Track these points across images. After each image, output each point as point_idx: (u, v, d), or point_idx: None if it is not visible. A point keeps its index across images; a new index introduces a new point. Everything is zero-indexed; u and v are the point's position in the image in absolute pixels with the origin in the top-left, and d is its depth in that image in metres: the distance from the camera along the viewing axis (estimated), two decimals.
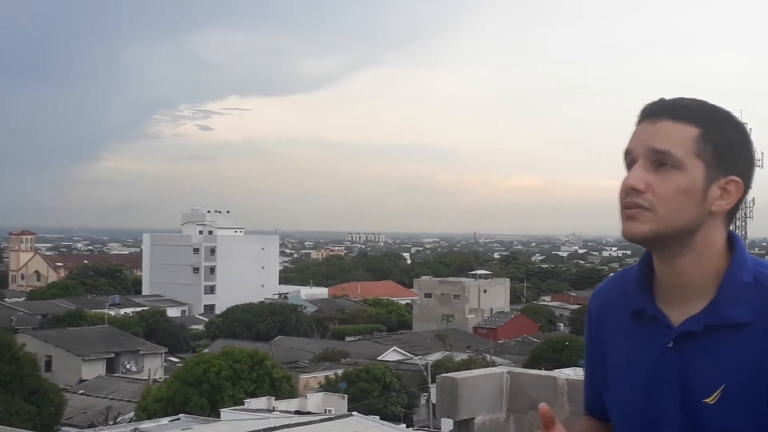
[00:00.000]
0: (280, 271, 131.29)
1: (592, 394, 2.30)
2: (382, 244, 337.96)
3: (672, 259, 2.02)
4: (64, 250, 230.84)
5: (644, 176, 1.98)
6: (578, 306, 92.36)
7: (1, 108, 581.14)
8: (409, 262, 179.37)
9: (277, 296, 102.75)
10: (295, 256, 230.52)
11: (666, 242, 2.00)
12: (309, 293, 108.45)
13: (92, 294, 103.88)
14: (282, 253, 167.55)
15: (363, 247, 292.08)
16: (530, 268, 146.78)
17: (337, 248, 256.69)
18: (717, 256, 2.02)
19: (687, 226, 1.98)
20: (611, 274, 2.37)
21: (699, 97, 2.03)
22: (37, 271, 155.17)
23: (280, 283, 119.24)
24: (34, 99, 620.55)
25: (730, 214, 2.04)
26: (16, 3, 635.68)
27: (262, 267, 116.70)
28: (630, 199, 1.99)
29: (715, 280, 2.01)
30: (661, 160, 1.97)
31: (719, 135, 1.98)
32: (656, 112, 2.01)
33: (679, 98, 2.03)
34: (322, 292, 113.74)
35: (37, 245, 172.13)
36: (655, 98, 2.05)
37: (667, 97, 2.04)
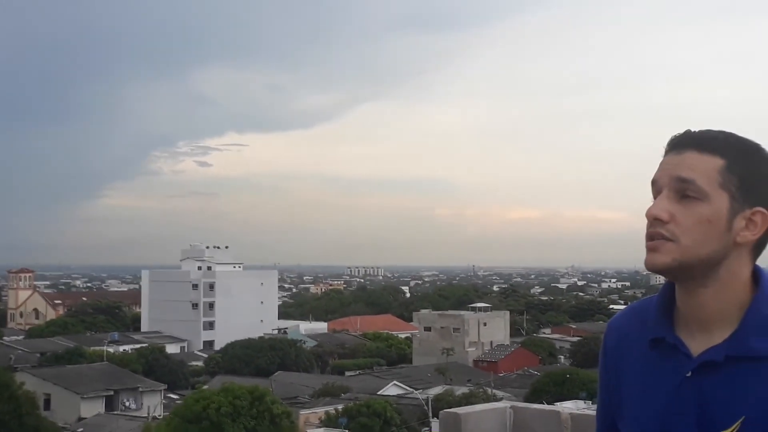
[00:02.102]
0: (279, 306, 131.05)
1: (606, 426, 2.26)
2: (381, 277, 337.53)
3: (695, 290, 2.00)
4: (63, 287, 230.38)
5: (668, 206, 1.97)
6: (578, 338, 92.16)
7: (3, 148, 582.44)
8: (408, 295, 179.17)
9: (276, 331, 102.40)
10: (294, 290, 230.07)
11: (689, 273, 1.98)
12: (308, 328, 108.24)
13: (91, 331, 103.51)
14: (281, 288, 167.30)
15: (362, 280, 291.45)
16: (530, 301, 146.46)
17: (336, 282, 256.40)
18: (741, 287, 2.00)
19: (711, 257, 1.96)
20: (628, 304, 2.42)
21: (726, 129, 2.02)
22: (35, 309, 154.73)
23: (279, 318, 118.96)
24: (32, 137, 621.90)
25: (758, 247, 2.02)
26: (14, 41, 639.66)
27: (261, 302, 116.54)
28: (653, 230, 1.98)
29: (738, 312, 1.99)
30: (685, 191, 1.96)
31: (745, 166, 1.96)
32: (682, 143, 2.01)
33: (706, 130, 2.03)
34: (321, 326, 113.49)
35: (36, 283, 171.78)
36: (681, 130, 2.04)
37: (693, 129, 2.03)
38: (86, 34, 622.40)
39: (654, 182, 2.03)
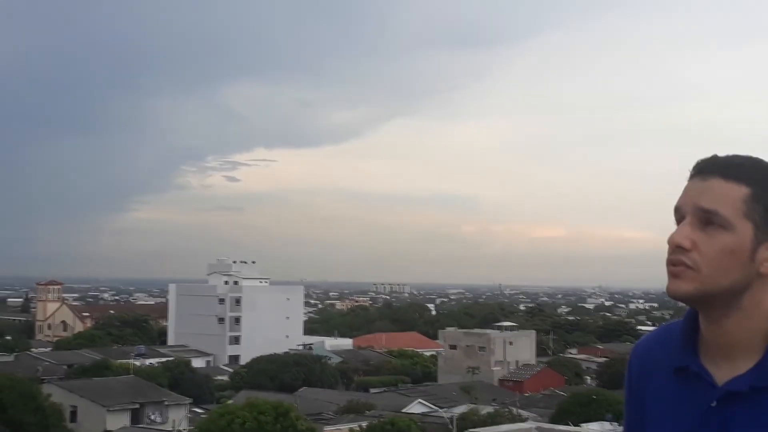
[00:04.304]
0: (305, 322, 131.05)
1: None
2: (406, 294, 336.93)
3: (718, 318, 1.99)
4: (91, 300, 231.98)
5: (690, 234, 1.95)
6: (605, 359, 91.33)
7: (32, 158, 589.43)
8: (433, 312, 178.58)
9: (301, 347, 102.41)
10: (320, 306, 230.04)
11: (711, 302, 1.97)
12: (333, 344, 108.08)
13: (118, 344, 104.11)
14: (307, 304, 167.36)
15: (388, 297, 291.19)
16: (556, 320, 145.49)
17: (361, 299, 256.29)
18: (765, 317, 1.98)
19: (733, 286, 1.94)
20: (653, 328, 2.39)
21: (754, 155, 1.99)
22: (63, 321, 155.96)
23: (304, 334, 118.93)
24: (64, 150, 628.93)
25: None
26: (48, 55, 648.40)
27: (287, 317, 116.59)
28: (675, 257, 1.96)
29: (762, 341, 1.97)
30: (708, 219, 1.94)
31: None
32: (707, 169, 1.98)
33: (733, 156, 1.99)
34: (346, 343, 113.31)
35: (64, 295, 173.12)
36: (708, 154, 2.01)
37: (719, 154, 2.00)
38: (118, 49, 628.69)
39: (677, 209, 2.00)
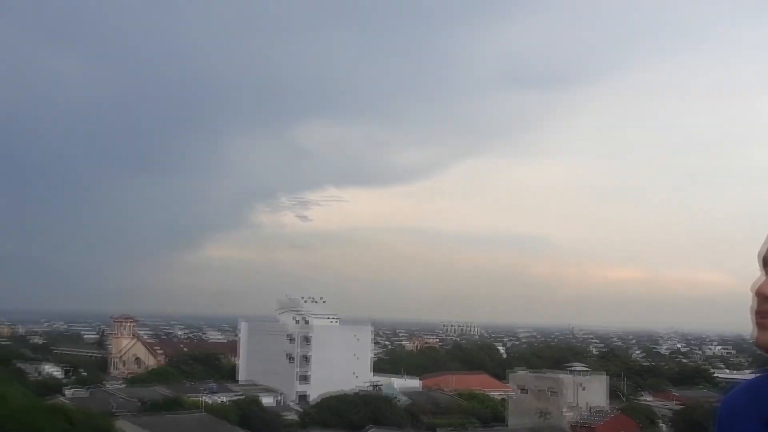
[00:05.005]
0: (373, 361, 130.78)
1: None
2: (475, 335, 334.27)
3: None
4: (164, 335, 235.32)
5: None
6: (680, 405, 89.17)
7: (109, 196, 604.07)
8: (503, 354, 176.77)
9: (369, 386, 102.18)
10: (389, 345, 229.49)
11: None
12: (402, 384, 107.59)
13: (189, 380, 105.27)
14: (375, 343, 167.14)
15: (457, 337, 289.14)
16: (629, 364, 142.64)
17: (430, 338, 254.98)
18: None
19: None
20: (741, 380, 2.39)
21: None
22: (137, 357, 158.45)
23: (373, 373, 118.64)
24: (139, 187, 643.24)
25: None
26: (125, 95, 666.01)
27: (356, 356, 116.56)
28: (764, 308, 1.95)
29: None
30: None
31: None
32: None
33: None
34: (415, 383, 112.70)
35: (137, 330, 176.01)
36: None
37: None
38: (193, 89, 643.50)
39: (765, 262, 1.97)
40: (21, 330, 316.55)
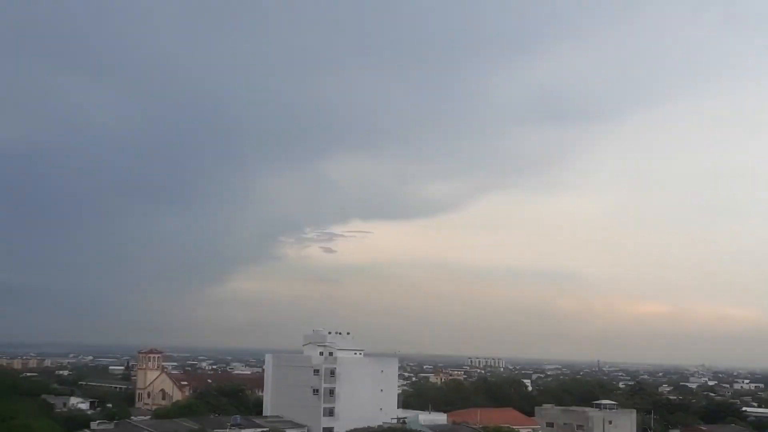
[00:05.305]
0: (399, 395, 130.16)
1: None
2: (502, 369, 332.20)
3: None
4: (190, 368, 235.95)
5: None
6: None
7: (135, 229, 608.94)
8: (530, 389, 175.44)
9: (395, 421, 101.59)
10: (414, 379, 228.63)
11: None
12: (427, 419, 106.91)
13: (215, 414, 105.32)
14: (401, 377, 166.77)
15: (483, 371, 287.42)
16: (658, 400, 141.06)
17: (456, 372, 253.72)
18: None
19: None
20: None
21: None
22: (162, 390, 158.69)
23: (398, 407, 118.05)
24: (165, 221, 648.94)
25: None
26: (153, 129, 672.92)
27: (381, 390, 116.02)
28: None
29: None
30: None
31: None
32: None
33: None
34: (441, 417, 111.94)
35: (164, 364, 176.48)
36: None
37: None
38: (221, 123, 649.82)
39: None
40: (49, 363, 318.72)
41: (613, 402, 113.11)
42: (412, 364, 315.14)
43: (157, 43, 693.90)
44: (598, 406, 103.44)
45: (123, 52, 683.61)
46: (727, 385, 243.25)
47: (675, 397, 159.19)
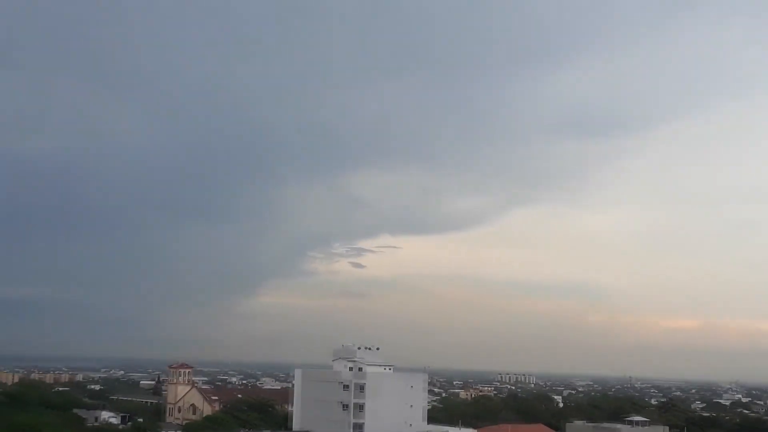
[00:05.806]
0: (428, 410, 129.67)
1: None
2: (532, 385, 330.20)
3: None
4: (220, 383, 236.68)
5: None
6: None
7: (167, 245, 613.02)
8: (560, 404, 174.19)
9: None
10: (443, 394, 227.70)
11: None
12: None
13: (244, 428, 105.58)
14: (430, 392, 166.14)
15: (512, 387, 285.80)
16: (690, 416, 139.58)
17: (485, 388, 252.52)
18: None
19: None
20: None
21: None
22: (192, 404, 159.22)
23: (427, 423, 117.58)
24: (195, 236, 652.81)
25: None
26: (183, 145, 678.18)
27: (410, 405, 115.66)
28: None
29: None
30: None
31: None
32: None
33: None
34: None
35: (194, 378, 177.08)
36: None
37: None
38: (249, 139, 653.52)
39: None
40: (80, 377, 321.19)
41: (645, 418, 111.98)
42: (441, 379, 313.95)
43: (188, 61, 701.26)
44: (630, 422, 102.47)
45: (156, 70, 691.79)
46: (761, 402, 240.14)
47: (708, 414, 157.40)
